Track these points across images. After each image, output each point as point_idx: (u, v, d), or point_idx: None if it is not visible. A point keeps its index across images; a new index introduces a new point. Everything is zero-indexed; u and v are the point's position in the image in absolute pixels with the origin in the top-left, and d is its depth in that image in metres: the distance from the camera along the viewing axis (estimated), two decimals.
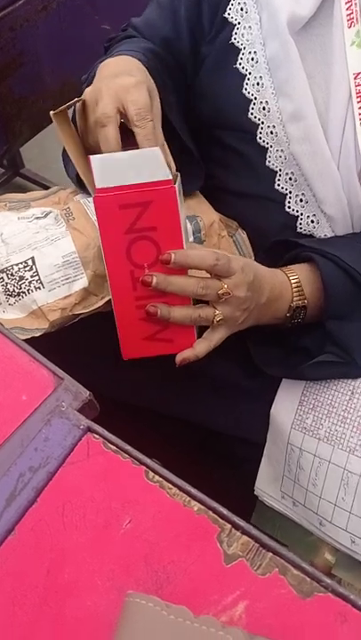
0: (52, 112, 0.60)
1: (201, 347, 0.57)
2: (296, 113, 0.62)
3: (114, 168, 0.53)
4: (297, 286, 0.62)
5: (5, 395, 0.47)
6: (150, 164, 0.52)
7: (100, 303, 0.64)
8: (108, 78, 0.57)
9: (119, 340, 0.59)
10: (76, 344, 0.67)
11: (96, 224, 0.68)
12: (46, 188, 1.35)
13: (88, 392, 0.47)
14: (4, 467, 0.41)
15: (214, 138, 0.70)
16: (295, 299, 0.62)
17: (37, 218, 0.68)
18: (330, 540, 0.64)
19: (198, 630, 0.33)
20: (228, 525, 0.38)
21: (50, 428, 0.43)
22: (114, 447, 0.42)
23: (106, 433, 0.43)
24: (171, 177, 0.52)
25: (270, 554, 0.37)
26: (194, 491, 0.40)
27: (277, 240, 0.67)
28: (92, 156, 0.53)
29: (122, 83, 0.55)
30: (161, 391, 0.73)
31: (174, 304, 0.55)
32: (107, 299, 0.64)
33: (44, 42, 0.98)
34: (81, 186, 0.70)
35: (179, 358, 0.57)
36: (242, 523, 0.38)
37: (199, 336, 0.59)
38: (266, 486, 0.70)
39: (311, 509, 0.65)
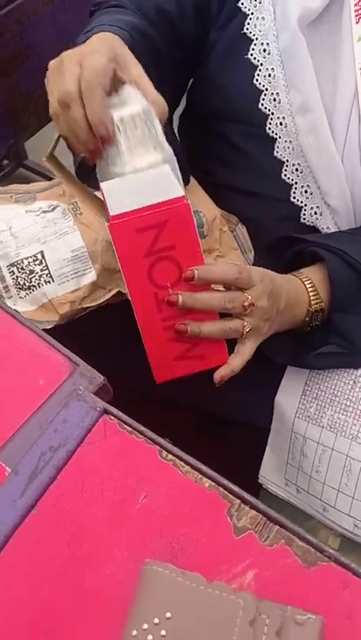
0: (44, 158, 0.61)
1: (236, 361, 0.57)
2: (304, 105, 0.63)
3: (125, 192, 0.52)
4: (313, 290, 0.62)
5: (23, 379, 0.50)
6: (160, 182, 0.51)
7: (108, 296, 0.66)
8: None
9: (150, 364, 0.58)
10: (83, 332, 0.68)
11: (103, 219, 0.70)
12: (50, 179, 1.36)
13: (102, 377, 0.49)
14: (25, 446, 0.44)
15: (217, 133, 0.71)
16: (313, 303, 0.62)
17: (45, 211, 0.70)
18: (333, 524, 0.67)
19: (211, 595, 0.35)
20: (238, 500, 0.41)
21: (68, 411, 0.45)
22: (129, 428, 0.44)
23: (121, 414, 0.45)
24: (183, 193, 0.51)
25: (277, 526, 0.40)
26: (205, 468, 0.42)
27: (280, 236, 0.68)
28: (102, 184, 0.52)
29: (81, 57, 0.51)
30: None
31: (202, 320, 0.55)
32: (114, 292, 0.66)
33: (50, 35, 0.99)
34: (83, 180, 0.71)
35: (217, 377, 0.57)
36: (250, 498, 0.41)
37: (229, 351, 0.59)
38: (270, 474, 0.72)
39: (315, 495, 0.68)
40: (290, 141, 0.65)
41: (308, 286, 0.63)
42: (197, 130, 0.73)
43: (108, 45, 0.52)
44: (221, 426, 0.76)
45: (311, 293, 0.62)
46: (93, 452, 0.43)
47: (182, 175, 0.69)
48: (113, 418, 0.45)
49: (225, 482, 0.41)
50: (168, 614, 0.34)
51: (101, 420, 0.45)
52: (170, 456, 0.43)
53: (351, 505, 0.65)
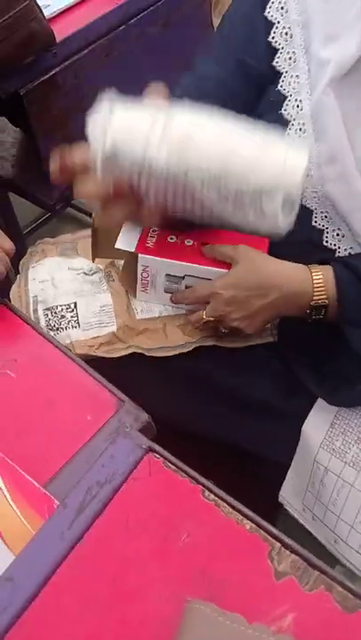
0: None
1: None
2: (332, 156, 0.65)
3: None
4: (318, 285, 0.64)
5: (72, 415, 0.52)
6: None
7: (124, 352, 0.72)
8: None
9: None
10: (125, 369, 0.71)
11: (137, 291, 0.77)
12: None
13: (147, 415, 0.51)
14: (73, 480, 0.46)
15: None
16: (315, 297, 0.64)
17: (85, 273, 0.79)
18: (341, 557, 0.67)
19: (252, 636, 0.36)
20: (278, 544, 0.42)
21: (115, 447, 0.47)
22: (173, 467, 0.46)
23: (166, 453, 0.47)
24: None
25: (317, 572, 0.40)
26: (246, 510, 0.43)
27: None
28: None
29: None
30: (191, 411, 0.77)
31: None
32: (131, 350, 0.72)
33: (105, 87, 1.05)
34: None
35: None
36: (291, 542, 0.42)
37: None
38: (290, 496, 0.73)
39: (328, 526, 0.68)
40: (315, 191, 0.68)
41: (315, 279, 0.64)
42: None
43: None
44: (254, 463, 0.77)
45: (316, 287, 0.64)
46: (138, 489, 0.45)
47: None
48: (158, 456, 0.47)
49: (266, 524, 0.42)
50: None
51: (146, 457, 0.47)
52: (212, 496, 0.44)
53: None
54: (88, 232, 0.85)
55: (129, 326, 0.72)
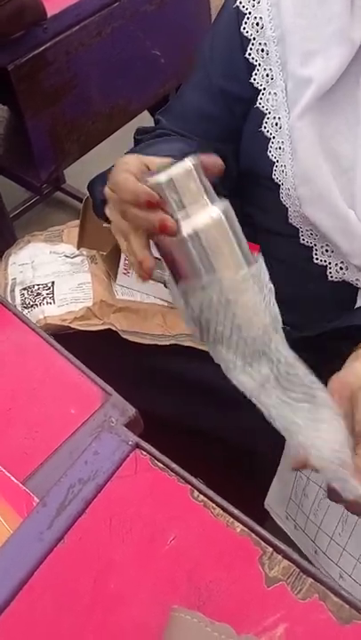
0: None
1: None
2: (306, 177, 0.63)
3: None
4: None
5: (55, 407, 0.49)
6: None
7: (99, 327, 0.69)
8: None
9: None
10: (115, 362, 0.69)
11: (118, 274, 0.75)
12: None
13: (134, 409, 0.49)
14: (54, 476, 0.43)
15: (254, 183, 0.72)
16: None
17: (66, 256, 0.77)
18: (321, 568, 0.65)
19: None
20: (270, 549, 0.39)
21: (99, 443, 0.45)
22: (161, 465, 0.44)
23: (153, 450, 0.44)
24: None
25: (311, 579, 0.38)
26: (237, 512, 0.41)
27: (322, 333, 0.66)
28: None
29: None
30: (176, 405, 0.75)
31: None
32: (106, 326, 0.69)
33: (97, 66, 1.01)
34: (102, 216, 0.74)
35: None
36: (283, 547, 0.39)
37: None
38: (274, 504, 0.71)
39: (309, 537, 0.67)
40: (296, 210, 0.65)
41: None
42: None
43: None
44: (248, 456, 0.75)
45: None
46: (123, 488, 0.43)
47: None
48: (145, 453, 0.44)
49: (258, 528, 0.40)
50: None
51: (133, 454, 0.44)
52: (201, 497, 0.42)
53: (341, 555, 0.64)
54: (78, 222, 0.83)
55: (106, 302, 0.70)
